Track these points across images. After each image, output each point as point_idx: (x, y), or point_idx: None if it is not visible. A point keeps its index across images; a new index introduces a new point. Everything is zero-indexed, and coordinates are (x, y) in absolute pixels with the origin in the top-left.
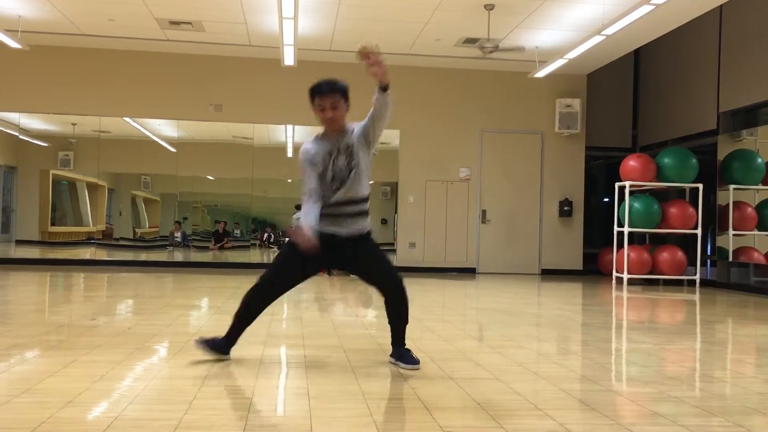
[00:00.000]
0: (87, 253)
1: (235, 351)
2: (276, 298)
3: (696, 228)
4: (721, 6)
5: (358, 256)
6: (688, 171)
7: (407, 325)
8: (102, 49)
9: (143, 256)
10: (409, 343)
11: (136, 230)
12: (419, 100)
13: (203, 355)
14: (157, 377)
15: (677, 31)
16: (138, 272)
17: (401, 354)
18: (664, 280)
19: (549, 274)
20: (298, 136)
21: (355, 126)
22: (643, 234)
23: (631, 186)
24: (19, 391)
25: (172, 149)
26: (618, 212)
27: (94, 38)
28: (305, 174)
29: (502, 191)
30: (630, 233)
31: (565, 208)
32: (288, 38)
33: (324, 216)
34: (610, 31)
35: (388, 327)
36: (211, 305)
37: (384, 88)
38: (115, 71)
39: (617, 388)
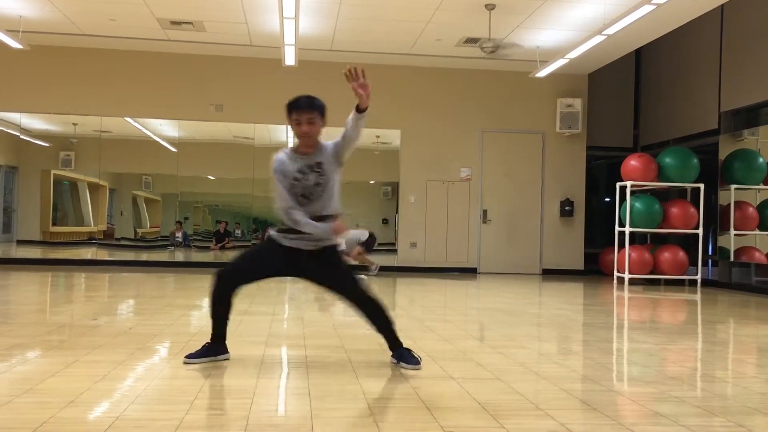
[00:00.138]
0: (88, 253)
1: (236, 351)
2: (238, 284)
3: (697, 228)
4: (722, 6)
5: (322, 271)
6: (689, 171)
7: (395, 326)
8: (103, 49)
9: (144, 256)
10: (410, 343)
11: (138, 230)
12: (420, 100)
13: (205, 363)
14: (159, 377)
15: (678, 30)
16: (139, 272)
17: (401, 354)
18: (665, 280)
19: (550, 274)
20: None
21: (329, 144)
22: (645, 234)
23: (632, 186)
24: (21, 391)
25: (173, 149)
26: (619, 212)
27: (95, 38)
28: (276, 185)
29: (503, 191)
30: (631, 233)
31: (566, 208)
32: (289, 38)
33: (290, 230)
34: (611, 30)
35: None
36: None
37: (362, 110)
38: (116, 71)
39: (618, 388)
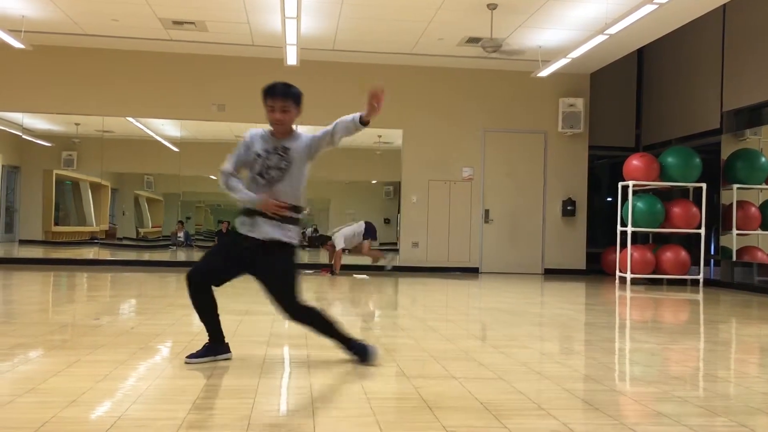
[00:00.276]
0: (90, 252)
1: (238, 351)
2: (209, 283)
3: (699, 227)
4: (724, 5)
5: (261, 265)
6: (691, 170)
7: (340, 324)
8: (105, 49)
9: (146, 256)
10: (412, 343)
11: (139, 230)
12: (422, 99)
13: (207, 363)
14: (161, 377)
15: (680, 30)
16: (141, 272)
17: (357, 349)
18: (667, 279)
19: (552, 273)
20: None
21: (306, 136)
22: (647, 233)
23: (634, 185)
24: (23, 390)
25: (175, 149)
26: (621, 212)
27: (98, 38)
28: (235, 152)
29: (505, 191)
30: (633, 233)
31: (569, 208)
32: (291, 38)
33: (245, 212)
34: (613, 30)
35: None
36: (216, 304)
37: (364, 123)
38: (119, 71)
39: (621, 388)
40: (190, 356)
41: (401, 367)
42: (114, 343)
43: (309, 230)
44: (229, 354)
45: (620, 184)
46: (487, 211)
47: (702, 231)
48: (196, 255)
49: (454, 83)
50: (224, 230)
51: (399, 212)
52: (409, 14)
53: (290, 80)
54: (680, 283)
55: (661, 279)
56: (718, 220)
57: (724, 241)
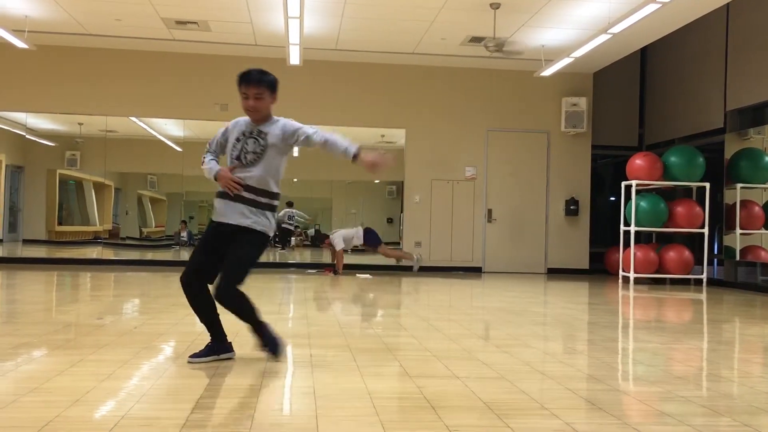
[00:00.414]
0: (93, 252)
1: (241, 350)
2: (203, 281)
3: (703, 227)
4: (727, 4)
5: (227, 246)
6: (694, 170)
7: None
8: (108, 49)
9: (149, 256)
10: (415, 342)
11: (143, 229)
12: (425, 99)
13: (210, 363)
14: (164, 376)
15: (684, 29)
16: (144, 271)
17: (267, 340)
18: (670, 279)
19: (555, 273)
20: None
21: (285, 122)
22: (650, 233)
23: (637, 185)
24: (27, 390)
25: (178, 149)
26: (624, 211)
27: (101, 38)
28: (217, 135)
29: (508, 190)
30: (636, 232)
31: (572, 207)
32: (294, 38)
33: (217, 195)
34: (616, 29)
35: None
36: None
37: (353, 158)
38: (122, 71)
39: (624, 388)
40: (193, 356)
41: (404, 366)
42: (117, 342)
43: (312, 231)
44: (232, 353)
45: (623, 183)
46: (490, 211)
47: (705, 230)
48: None
49: (456, 83)
50: None
51: (402, 212)
52: (411, 14)
53: (293, 80)
54: (683, 283)
55: (665, 278)
56: (722, 219)
57: (727, 240)
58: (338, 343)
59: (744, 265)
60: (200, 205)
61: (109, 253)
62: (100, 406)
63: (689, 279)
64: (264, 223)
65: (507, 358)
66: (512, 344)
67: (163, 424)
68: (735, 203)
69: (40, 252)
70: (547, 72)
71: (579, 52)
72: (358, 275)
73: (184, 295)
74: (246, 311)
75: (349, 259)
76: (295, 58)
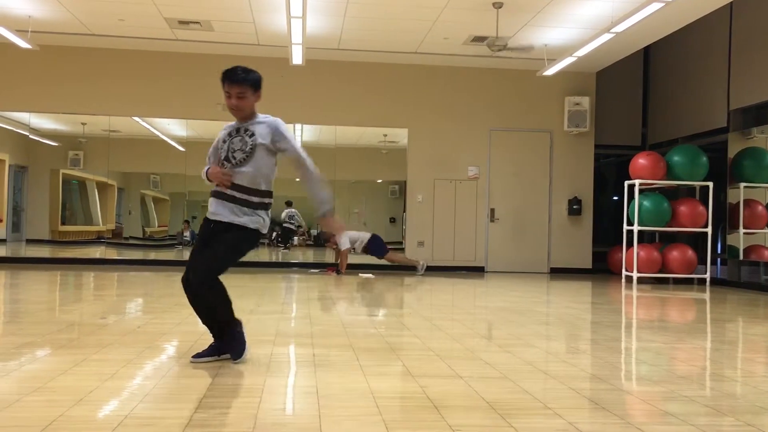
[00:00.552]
0: (97, 252)
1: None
2: None
3: (706, 226)
4: (731, 3)
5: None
6: (698, 169)
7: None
8: (111, 49)
9: (152, 255)
10: (418, 342)
11: (146, 229)
12: (427, 98)
13: (213, 362)
14: (167, 375)
15: (687, 28)
16: (147, 271)
17: (234, 344)
18: (674, 278)
19: (558, 272)
20: (306, 135)
21: (275, 125)
22: (653, 232)
23: (640, 184)
24: (30, 389)
25: (181, 148)
26: (627, 210)
27: (104, 38)
28: (214, 146)
29: (510, 190)
30: (640, 232)
31: (575, 207)
32: (296, 37)
33: (214, 194)
34: (619, 28)
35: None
36: None
37: (321, 216)
38: (125, 71)
39: (627, 387)
40: (196, 356)
41: (407, 366)
42: (121, 342)
43: (315, 230)
44: None
45: (626, 182)
46: (492, 210)
47: (709, 230)
48: None
49: (459, 82)
50: None
51: (404, 211)
52: (414, 13)
53: (296, 79)
54: (687, 282)
55: (668, 278)
56: (725, 218)
57: (730, 239)
58: (341, 343)
59: (747, 265)
60: (203, 204)
61: (112, 253)
62: (104, 405)
63: (692, 278)
64: (257, 221)
65: (510, 358)
66: (515, 344)
67: (166, 424)
68: (738, 202)
69: (43, 252)
70: (550, 71)
71: (582, 52)
72: (360, 275)
73: (188, 296)
74: (222, 307)
75: (352, 258)
76: (297, 58)
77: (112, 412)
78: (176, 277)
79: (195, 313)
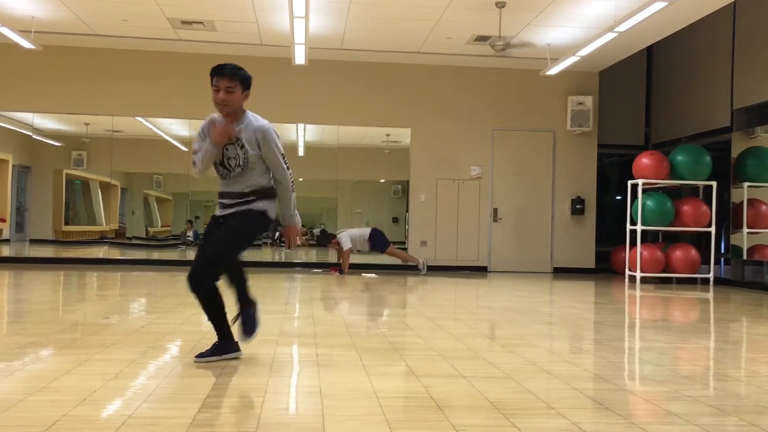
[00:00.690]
0: (100, 252)
1: (247, 349)
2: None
3: (710, 226)
4: (734, 2)
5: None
6: (701, 168)
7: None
8: (114, 50)
9: (156, 255)
10: (421, 342)
11: (149, 229)
12: (430, 98)
13: (216, 362)
14: (171, 375)
15: (690, 27)
16: (151, 271)
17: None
18: (677, 278)
19: (561, 272)
20: (309, 134)
21: (259, 127)
22: (656, 232)
23: (644, 184)
24: (34, 389)
25: (184, 148)
26: (631, 210)
27: (107, 38)
28: (198, 137)
29: (513, 189)
30: (643, 231)
31: (578, 206)
32: (299, 37)
33: (219, 195)
34: (622, 28)
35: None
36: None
37: (281, 222)
38: (128, 71)
39: (630, 387)
40: (199, 355)
41: (410, 366)
42: (124, 341)
43: (317, 230)
44: (238, 352)
45: (630, 182)
46: (495, 210)
47: (712, 229)
48: None
49: (462, 82)
50: None
51: (407, 211)
52: (417, 13)
53: (298, 79)
54: (690, 282)
55: (671, 278)
56: (729, 218)
57: (734, 239)
58: (344, 343)
59: (751, 264)
60: (206, 204)
61: (115, 253)
62: (107, 405)
63: (696, 278)
64: (260, 206)
65: (513, 358)
66: (518, 344)
67: (170, 424)
68: (742, 202)
69: (47, 252)
70: (553, 71)
71: (585, 51)
72: (363, 274)
73: (192, 294)
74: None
75: (355, 258)
76: (300, 58)
77: (115, 411)
78: (179, 277)
79: (200, 312)
